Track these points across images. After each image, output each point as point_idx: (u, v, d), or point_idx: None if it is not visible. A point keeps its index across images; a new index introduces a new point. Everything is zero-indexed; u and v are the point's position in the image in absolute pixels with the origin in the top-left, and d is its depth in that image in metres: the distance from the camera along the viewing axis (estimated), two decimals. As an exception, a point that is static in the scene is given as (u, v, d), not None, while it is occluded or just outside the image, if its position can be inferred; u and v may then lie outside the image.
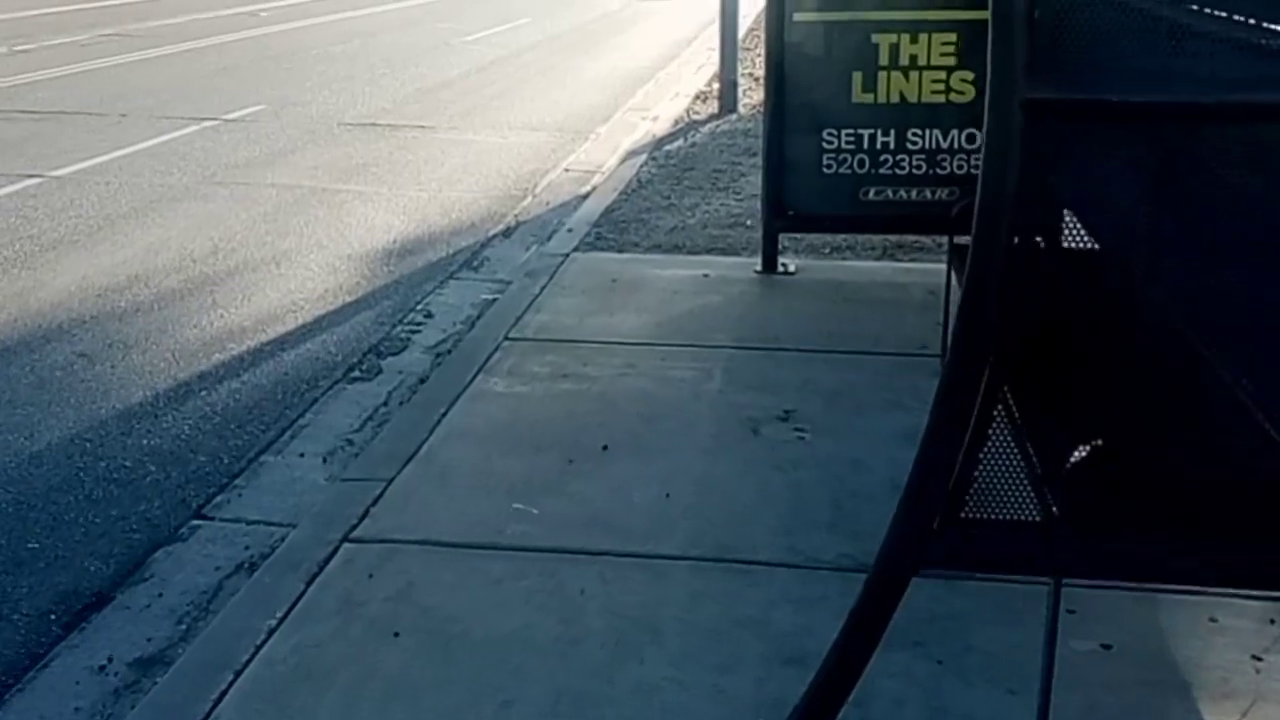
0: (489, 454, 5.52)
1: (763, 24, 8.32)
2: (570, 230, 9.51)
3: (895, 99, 7.65)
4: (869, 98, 7.66)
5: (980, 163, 3.05)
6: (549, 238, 9.52)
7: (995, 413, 3.26)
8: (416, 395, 6.41)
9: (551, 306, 7.50)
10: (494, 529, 4.85)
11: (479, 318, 7.67)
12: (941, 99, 7.64)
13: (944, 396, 3.25)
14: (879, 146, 7.77)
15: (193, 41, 21.75)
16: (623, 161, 12.41)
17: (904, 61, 7.59)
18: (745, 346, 6.87)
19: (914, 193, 7.82)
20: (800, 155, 7.92)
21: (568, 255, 8.69)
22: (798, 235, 8.66)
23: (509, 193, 11.31)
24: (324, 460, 5.83)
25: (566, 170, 12.32)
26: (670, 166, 11.85)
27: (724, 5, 15.00)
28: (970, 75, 7.55)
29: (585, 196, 10.97)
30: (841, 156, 7.82)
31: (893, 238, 8.71)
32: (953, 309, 6.56)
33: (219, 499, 5.52)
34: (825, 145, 7.80)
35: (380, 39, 22.83)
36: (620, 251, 8.87)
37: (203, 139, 13.43)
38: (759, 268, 8.23)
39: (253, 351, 7.24)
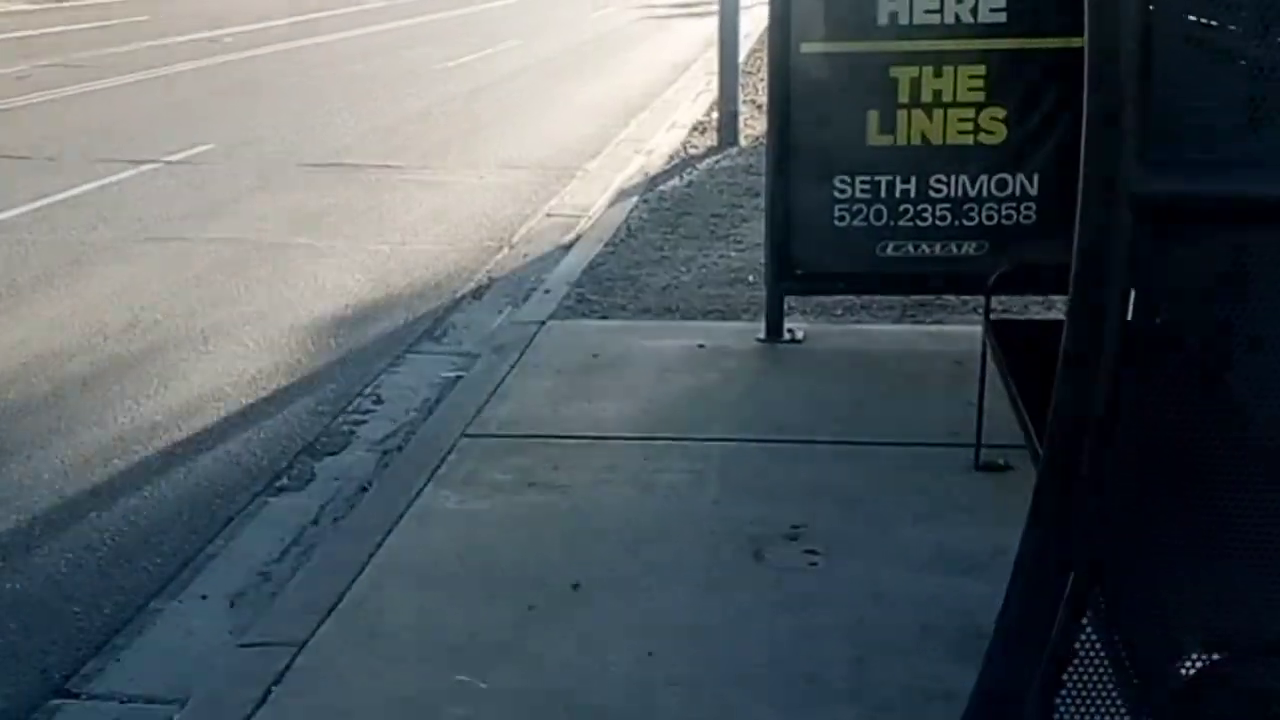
0: (431, 599, 4.72)
1: (766, 45, 7.61)
2: (548, 291, 8.73)
3: (917, 140, 6.98)
4: (887, 139, 6.98)
5: (1072, 276, 2.29)
6: (525, 299, 8.77)
7: (1085, 620, 2.49)
8: (352, 513, 5.62)
9: (520, 391, 6.73)
10: (428, 712, 4.05)
11: (437, 403, 6.90)
12: (969, 140, 6.98)
13: (1017, 601, 2.48)
14: (899, 195, 7.08)
15: (143, 72, 21.02)
16: (612, 204, 11.68)
17: (926, 98, 6.92)
18: (747, 439, 6.10)
19: (939, 247, 7.14)
20: (809, 206, 7.23)
21: (543, 323, 7.93)
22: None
23: (482, 244, 10.56)
24: (231, 604, 5.01)
25: (549, 215, 11.58)
26: (664, 210, 11.10)
27: (723, 27, 14.28)
28: (1001, 112, 6.93)
29: (569, 247, 10.23)
30: (856, 207, 7.11)
31: (913, 295, 7.94)
32: (988, 390, 5.83)
33: (90, 666, 4.64)
34: (837, 194, 7.11)
35: (351, 67, 22.14)
36: (604, 317, 8.11)
37: (139, 185, 12.67)
38: (762, 335, 7.48)
39: (163, 456, 6.40)
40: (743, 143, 14.03)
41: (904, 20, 6.84)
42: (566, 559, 4.96)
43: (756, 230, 9.88)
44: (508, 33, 27.38)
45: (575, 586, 4.76)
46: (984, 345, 5.68)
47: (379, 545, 5.08)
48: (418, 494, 5.53)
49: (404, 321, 8.55)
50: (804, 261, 7.30)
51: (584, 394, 6.66)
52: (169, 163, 13.69)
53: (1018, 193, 7.02)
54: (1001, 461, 5.71)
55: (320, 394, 7.22)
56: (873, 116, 6.97)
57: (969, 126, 6.92)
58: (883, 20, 6.86)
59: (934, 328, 7.74)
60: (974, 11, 6.84)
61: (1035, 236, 7.14)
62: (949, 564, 4.86)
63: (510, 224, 11.22)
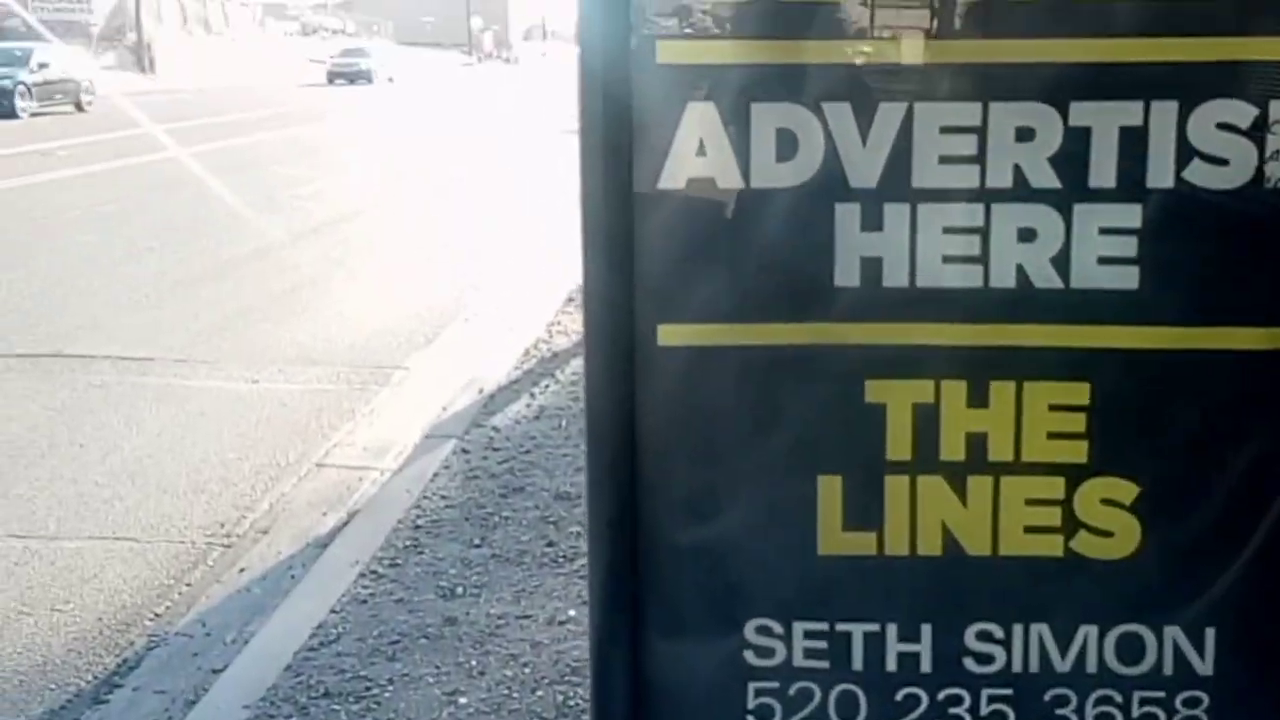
0: None
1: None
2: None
3: (931, 547, 2.64)
4: (863, 542, 2.67)
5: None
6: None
7: None
8: None
9: None
10: None
11: None
12: (1055, 549, 2.64)
13: None
14: (894, 666, 2.74)
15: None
16: (420, 448, 7.24)
17: (951, 452, 2.59)
18: None
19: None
20: (688, 683, 2.87)
21: None
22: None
23: (187, 540, 6.08)
24: None
25: (321, 465, 7.14)
26: (486, 477, 6.62)
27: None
28: (1130, 489, 2.61)
29: (323, 546, 5.82)
30: (797, 689, 2.78)
31: None
32: None
33: None
34: (753, 660, 2.78)
35: (185, 191, 17.61)
36: None
37: None
38: None
39: None
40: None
41: (897, 279, 2.55)
42: None
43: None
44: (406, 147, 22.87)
45: None
46: None
47: None
48: None
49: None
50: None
51: None
52: None
53: (1169, 668, 2.69)
54: None
55: None
56: (830, 491, 2.64)
57: (1053, 518, 2.61)
58: (847, 278, 2.56)
59: None
60: (1062, 263, 2.53)
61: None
62: None
63: (253, 487, 6.76)
